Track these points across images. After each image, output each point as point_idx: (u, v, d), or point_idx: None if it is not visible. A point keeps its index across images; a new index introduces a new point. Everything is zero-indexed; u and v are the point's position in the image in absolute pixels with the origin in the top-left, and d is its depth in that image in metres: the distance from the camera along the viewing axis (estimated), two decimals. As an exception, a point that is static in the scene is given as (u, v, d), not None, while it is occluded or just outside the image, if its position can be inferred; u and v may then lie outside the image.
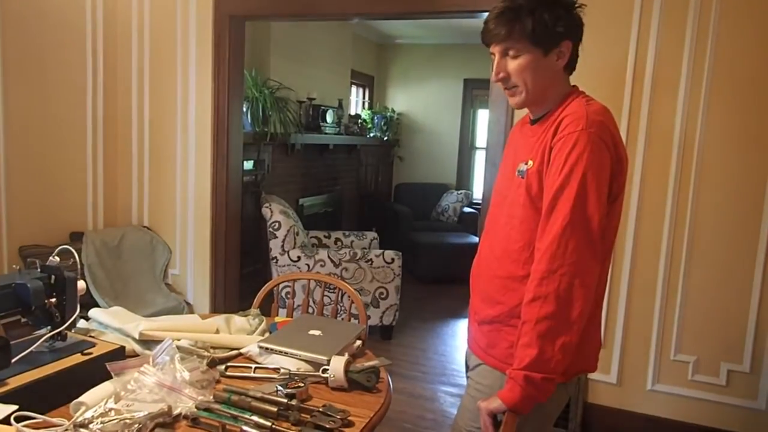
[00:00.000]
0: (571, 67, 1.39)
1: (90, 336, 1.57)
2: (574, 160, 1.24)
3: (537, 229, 1.30)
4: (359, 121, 6.59)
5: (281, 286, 3.71)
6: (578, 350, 1.29)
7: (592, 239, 1.25)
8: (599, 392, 2.81)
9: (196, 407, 1.27)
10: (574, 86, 1.41)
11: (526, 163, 1.35)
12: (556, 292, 1.22)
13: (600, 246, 1.27)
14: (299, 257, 3.87)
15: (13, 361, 1.28)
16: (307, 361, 1.54)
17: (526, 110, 1.46)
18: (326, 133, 5.46)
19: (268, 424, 1.22)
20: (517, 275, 1.35)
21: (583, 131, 1.25)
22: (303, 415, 1.28)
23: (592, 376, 2.80)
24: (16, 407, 1.16)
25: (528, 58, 1.32)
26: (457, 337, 4.26)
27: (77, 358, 1.39)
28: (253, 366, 1.56)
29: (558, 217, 1.25)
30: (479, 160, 7.30)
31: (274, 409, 1.27)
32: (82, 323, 1.66)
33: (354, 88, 6.99)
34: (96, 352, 1.44)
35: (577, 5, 1.35)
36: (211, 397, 1.33)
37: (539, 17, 1.29)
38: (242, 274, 3.84)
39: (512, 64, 1.34)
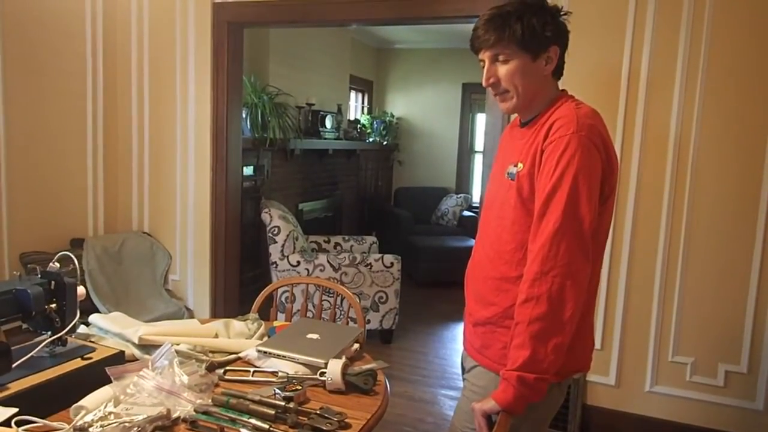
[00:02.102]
0: (558, 73, 1.41)
1: (90, 341, 1.59)
2: (566, 163, 1.26)
3: (529, 231, 1.32)
4: (358, 125, 6.61)
5: (280, 290, 3.73)
6: (571, 350, 1.30)
7: (584, 241, 1.27)
8: (598, 394, 2.82)
9: (194, 410, 1.29)
10: (563, 90, 1.43)
11: (516, 165, 1.37)
12: (548, 293, 1.24)
13: (591, 247, 1.29)
14: (299, 262, 3.89)
15: (14, 365, 1.30)
16: (304, 365, 1.56)
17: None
18: (325, 138, 5.48)
19: (266, 426, 1.24)
20: (510, 276, 1.37)
21: (574, 134, 1.27)
22: (300, 417, 1.30)
23: (590, 378, 2.81)
24: (16, 410, 1.17)
25: (517, 63, 1.34)
26: (457, 341, 4.26)
27: (77, 363, 1.41)
28: (252, 370, 1.57)
29: (550, 219, 1.26)
30: (478, 163, 7.31)
31: (272, 411, 1.29)
32: (82, 328, 1.68)
33: (353, 93, 7.02)
34: (96, 356, 1.45)
35: (563, 13, 1.38)
36: (210, 400, 1.34)
37: (528, 22, 1.31)
38: (242, 279, 3.86)
39: (502, 70, 1.36)
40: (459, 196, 6.89)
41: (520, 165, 1.35)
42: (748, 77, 2.48)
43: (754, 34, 2.46)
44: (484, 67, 1.39)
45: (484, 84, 1.40)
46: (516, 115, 1.48)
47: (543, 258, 1.25)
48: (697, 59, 2.54)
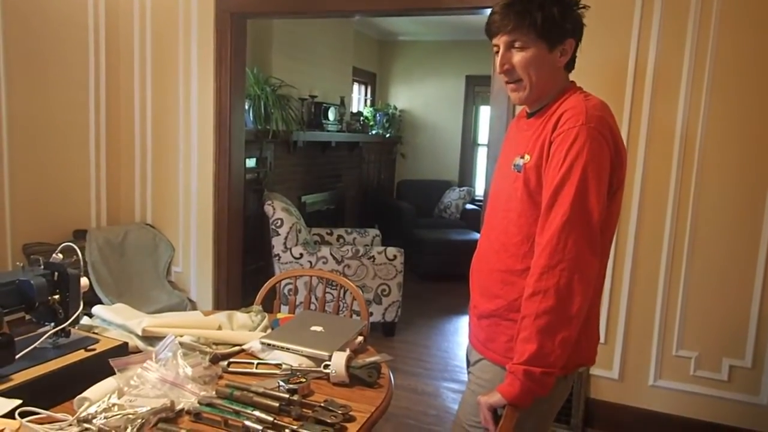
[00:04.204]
0: (570, 65, 1.39)
1: (93, 332, 1.59)
2: (574, 156, 1.24)
3: (535, 223, 1.30)
4: (361, 118, 6.59)
5: (283, 282, 3.73)
6: (577, 344, 1.29)
7: (592, 234, 1.25)
8: (601, 388, 2.81)
9: (198, 402, 1.29)
10: (572, 82, 1.41)
11: (522, 157, 1.35)
12: (555, 287, 1.23)
13: (599, 241, 1.27)
14: (302, 254, 3.88)
15: (17, 357, 1.30)
16: (308, 357, 1.55)
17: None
18: (328, 131, 5.46)
19: (270, 418, 1.23)
20: (516, 269, 1.36)
21: (583, 126, 1.25)
22: (304, 409, 1.29)
23: (594, 371, 2.80)
24: (19, 401, 1.17)
25: (533, 52, 1.32)
26: (460, 334, 4.27)
27: (81, 354, 1.40)
28: (255, 362, 1.57)
29: (558, 212, 1.25)
30: (482, 156, 7.29)
31: (276, 404, 1.28)
32: (85, 320, 1.67)
33: (356, 86, 6.99)
34: (99, 348, 1.45)
35: (581, 6, 1.35)
36: (214, 392, 1.34)
37: (548, 11, 1.29)
38: (245, 272, 3.85)
39: (517, 57, 1.33)
40: (462, 189, 6.87)
41: (527, 156, 1.34)
42: (754, 72, 2.46)
43: (761, 30, 2.43)
44: (497, 53, 1.36)
45: (498, 71, 1.37)
46: (522, 106, 1.47)
47: (551, 251, 1.24)
48: (704, 54, 2.51)
